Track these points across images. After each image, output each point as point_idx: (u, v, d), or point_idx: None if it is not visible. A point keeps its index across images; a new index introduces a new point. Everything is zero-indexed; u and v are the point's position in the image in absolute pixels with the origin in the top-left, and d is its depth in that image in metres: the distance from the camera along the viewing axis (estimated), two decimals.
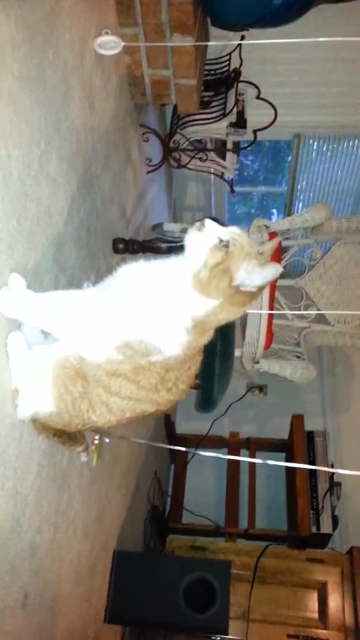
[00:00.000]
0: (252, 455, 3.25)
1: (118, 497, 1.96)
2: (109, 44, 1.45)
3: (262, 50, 2.49)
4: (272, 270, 0.88)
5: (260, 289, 0.89)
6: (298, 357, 2.65)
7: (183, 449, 2.82)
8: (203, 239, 0.86)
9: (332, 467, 3.06)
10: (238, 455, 3.31)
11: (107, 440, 1.68)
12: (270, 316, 2.44)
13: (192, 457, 3.27)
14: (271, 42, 2.09)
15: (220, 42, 2.41)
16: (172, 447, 3.02)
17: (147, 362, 0.93)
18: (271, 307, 2.44)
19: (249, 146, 2.39)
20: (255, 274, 0.86)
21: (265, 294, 2.35)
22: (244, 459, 3.18)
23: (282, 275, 3.00)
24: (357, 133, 2.94)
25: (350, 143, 3.02)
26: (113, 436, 1.69)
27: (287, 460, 3.26)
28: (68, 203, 1.28)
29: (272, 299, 2.45)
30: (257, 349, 2.36)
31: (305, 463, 2.99)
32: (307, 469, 2.97)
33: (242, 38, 2.30)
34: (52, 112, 1.16)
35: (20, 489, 1.07)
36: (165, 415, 3.16)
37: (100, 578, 1.74)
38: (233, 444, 3.34)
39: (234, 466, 3.22)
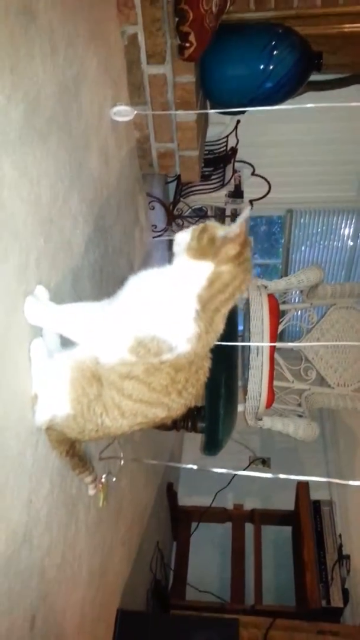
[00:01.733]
0: (258, 530, 3.15)
1: (121, 553, 1.90)
2: (123, 113, 1.66)
3: (256, 135, 2.77)
4: (245, 212, 0.98)
5: (244, 240, 0.96)
6: (300, 416, 2.67)
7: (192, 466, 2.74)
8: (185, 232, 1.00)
9: (340, 538, 2.96)
10: (243, 528, 3.21)
11: (114, 479, 1.69)
12: (271, 375, 2.49)
13: (196, 528, 3.16)
14: (260, 109, 2.33)
15: (218, 127, 2.70)
16: (180, 464, 2.93)
17: (158, 361, 0.99)
18: (272, 368, 2.50)
19: None
20: (232, 226, 0.96)
21: (266, 355, 2.43)
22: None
23: (281, 339, 3.11)
24: (344, 208, 3.18)
25: (339, 217, 3.26)
26: (123, 458, 1.69)
27: (294, 533, 3.15)
28: (85, 241, 1.40)
29: (272, 360, 2.51)
30: (259, 403, 2.40)
31: (312, 533, 2.89)
32: (314, 541, 2.87)
33: (238, 122, 2.58)
34: (75, 158, 1.31)
35: (34, 499, 1.08)
36: (167, 484, 3.10)
37: (103, 633, 1.65)
38: (237, 516, 3.24)
39: (238, 539, 3.11)
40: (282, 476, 1.41)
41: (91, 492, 1.38)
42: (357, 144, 2.90)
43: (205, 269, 0.96)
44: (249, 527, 3.19)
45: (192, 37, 1.71)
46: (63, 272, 1.23)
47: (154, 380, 1.01)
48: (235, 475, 3.37)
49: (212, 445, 1.76)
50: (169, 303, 0.98)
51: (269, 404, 2.49)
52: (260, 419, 2.52)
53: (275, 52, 1.96)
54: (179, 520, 3.18)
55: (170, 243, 1.09)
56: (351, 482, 2.96)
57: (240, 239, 0.95)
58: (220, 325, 1.02)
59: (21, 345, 1.02)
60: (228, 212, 2.52)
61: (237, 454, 3.67)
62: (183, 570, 2.96)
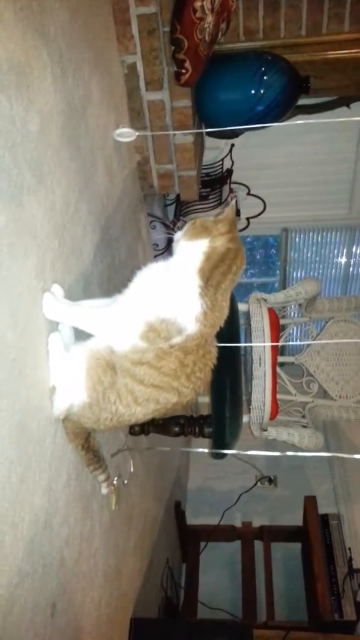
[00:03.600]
0: (267, 546, 3.14)
1: (133, 562, 1.92)
2: (126, 134, 1.77)
3: (250, 158, 2.90)
4: (232, 202, 1.11)
5: (232, 220, 1.09)
6: (304, 427, 2.71)
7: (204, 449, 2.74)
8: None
9: (350, 551, 2.96)
10: (252, 546, 3.20)
11: (125, 481, 1.73)
12: (274, 384, 2.55)
13: (204, 547, 3.15)
14: (253, 127, 2.46)
15: (213, 151, 2.83)
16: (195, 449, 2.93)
17: (168, 346, 1.06)
18: (274, 378, 2.56)
19: (243, 229, 2.70)
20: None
21: (268, 364, 2.49)
22: None
23: (282, 353, 3.18)
24: (337, 225, 3.30)
25: (332, 234, 3.38)
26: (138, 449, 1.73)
27: (303, 549, 3.15)
28: (93, 250, 1.48)
29: (274, 370, 2.58)
30: (264, 413, 2.44)
31: (321, 547, 2.89)
32: (324, 554, 2.87)
33: (232, 146, 2.71)
34: (84, 171, 1.41)
35: (54, 486, 1.13)
36: (175, 503, 3.11)
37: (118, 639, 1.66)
38: (246, 534, 3.24)
39: (248, 557, 3.10)
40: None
41: (104, 490, 1.43)
42: (346, 164, 3.04)
43: (201, 245, 1.07)
44: (258, 545, 3.18)
45: (187, 64, 1.84)
46: (75, 276, 1.31)
47: (164, 364, 1.08)
48: (242, 494, 3.40)
49: (219, 447, 1.80)
50: (174, 284, 1.07)
51: (273, 415, 2.53)
52: (265, 430, 2.56)
53: (265, 77, 2.09)
54: (187, 540, 3.17)
55: (170, 242, 1.19)
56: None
57: (229, 219, 1.08)
58: (224, 304, 1.11)
59: (41, 337, 1.09)
60: None
61: (243, 473, 3.67)
62: (194, 588, 2.94)
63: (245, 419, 2.43)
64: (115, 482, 1.61)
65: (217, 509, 3.24)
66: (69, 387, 1.11)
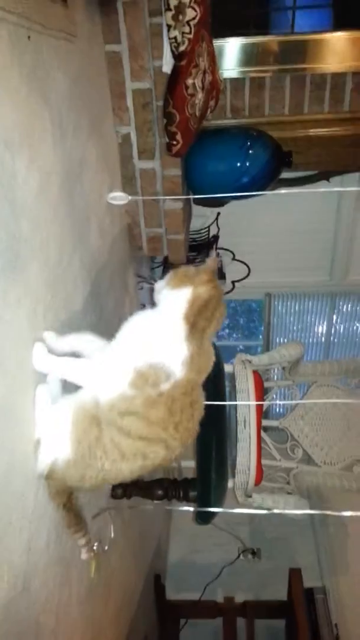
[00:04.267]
0: (250, 623, 2.97)
1: (111, 634, 1.80)
2: (118, 198, 1.84)
3: (236, 225, 3.02)
4: (213, 256, 1.15)
5: (213, 270, 1.15)
6: (289, 493, 2.65)
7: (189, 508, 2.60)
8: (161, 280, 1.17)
9: (337, 628, 2.81)
10: (234, 623, 3.03)
11: (106, 547, 1.65)
12: (259, 447, 2.52)
13: (185, 624, 2.97)
14: (237, 195, 2.56)
15: (200, 219, 2.95)
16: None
17: (156, 393, 1.06)
18: (259, 440, 2.53)
19: (228, 292, 2.75)
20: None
21: (253, 426, 2.47)
22: None
23: (267, 416, 3.15)
24: (319, 291, 3.40)
25: (314, 300, 3.47)
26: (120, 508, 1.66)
27: (288, 625, 2.98)
28: (83, 304, 1.50)
29: (259, 433, 2.55)
30: (249, 478, 2.39)
31: (306, 623, 2.75)
32: (309, 631, 2.73)
33: (219, 214, 2.83)
34: (78, 228, 1.46)
35: (34, 546, 1.08)
36: (155, 576, 2.96)
37: None
38: (228, 610, 3.07)
39: (231, 634, 2.92)
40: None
41: (84, 555, 1.36)
42: (326, 233, 3.17)
43: (185, 292, 1.10)
44: (240, 621, 3.01)
45: (178, 137, 1.95)
46: (65, 326, 1.31)
47: (152, 413, 1.07)
48: (224, 567, 3.27)
49: (204, 513, 1.75)
50: (161, 330, 1.08)
51: (258, 480, 2.48)
52: (250, 496, 2.49)
53: (250, 151, 2.22)
54: (166, 616, 2.99)
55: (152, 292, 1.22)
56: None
57: (211, 269, 1.13)
58: (210, 349, 1.12)
59: (29, 389, 1.07)
60: None
61: (225, 545, 3.54)
62: None
63: (229, 484, 2.37)
64: (95, 547, 1.54)
65: (198, 583, 3.09)
66: (54, 440, 1.09)
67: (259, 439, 2.48)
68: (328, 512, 1.79)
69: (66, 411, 1.09)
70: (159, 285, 1.16)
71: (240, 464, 2.41)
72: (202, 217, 2.99)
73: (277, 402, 2.79)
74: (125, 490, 1.83)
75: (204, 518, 1.77)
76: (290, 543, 3.72)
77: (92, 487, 1.15)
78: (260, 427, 2.54)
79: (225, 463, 1.91)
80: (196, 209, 2.86)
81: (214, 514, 1.78)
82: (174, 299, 1.11)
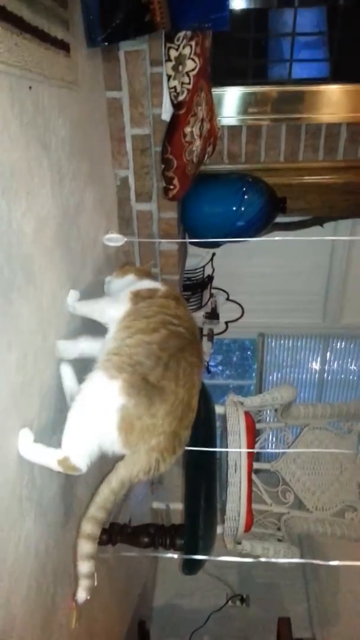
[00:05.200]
0: None
1: None
2: (114, 239, 1.86)
3: (231, 266, 3.05)
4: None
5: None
6: (280, 540, 2.59)
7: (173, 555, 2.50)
8: None
9: None
10: None
11: (88, 596, 1.59)
12: (250, 493, 2.47)
13: None
14: (233, 240, 2.59)
15: (195, 258, 2.97)
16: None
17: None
18: (250, 485, 2.49)
19: (221, 333, 2.76)
20: None
21: (244, 471, 2.43)
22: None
23: (258, 459, 3.11)
24: (312, 333, 3.41)
25: (307, 341, 3.48)
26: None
27: None
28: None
29: (250, 477, 2.51)
30: (238, 524, 2.34)
31: None
32: None
33: (214, 255, 2.86)
34: (73, 271, 1.46)
35: (13, 599, 1.04)
36: (139, 622, 2.86)
37: None
38: None
39: None
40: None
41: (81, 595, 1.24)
42: (320, 277, 3.21)
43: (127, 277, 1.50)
44: None
45: (175, 181, 1.99)
46: (57, 371, 1.30)
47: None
48: (211, 613, 3.16)
49: (191, 563, 1.70)
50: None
51: (247, 526, 2.43)
52: (239, 543, 2.44)
53: (246, 197, 2.26)
54: None
55: None
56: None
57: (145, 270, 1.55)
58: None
59: (14, 438, 1.06)
60: (205, 332, 2.69)
61: (213, 590, 3.44)
62: None
63: (218, 530, 2.32)
64: (78, 596, 1.49)
65: (184, 630, 2.99)
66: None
67: (250, 484, 2.44)
68: (317, 562, 1.73)
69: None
70: (108, 279, 1.50)
71: (230, 509, 2.36)
72: (197, 256, 3.01)
73: (268, 450, 2.74)
74: (111, 536, 1.78)
75: (190, 568, 1.72)
76: (281, 590, 3.62)
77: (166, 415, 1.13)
78: (251, 471, 2.50)
79: (214, 511, 1.88)
80: (192, 249, 2.89)
81: (200, 564, 1.73)
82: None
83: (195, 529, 1.72)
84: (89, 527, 1.11)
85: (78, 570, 1.13)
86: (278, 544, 2.51)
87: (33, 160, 1.17)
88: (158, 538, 1.82)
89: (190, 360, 1.19)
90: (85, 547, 1.12)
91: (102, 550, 1.81)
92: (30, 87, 1.14)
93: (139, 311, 1.26)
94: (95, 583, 1.65)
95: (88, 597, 1.18)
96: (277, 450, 2.72)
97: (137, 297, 1.31)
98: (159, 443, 1.11)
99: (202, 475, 1.74)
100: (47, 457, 1.09)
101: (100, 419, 1.10)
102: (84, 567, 1.13)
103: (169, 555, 1.72)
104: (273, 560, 2.14)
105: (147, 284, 1.40)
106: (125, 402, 1.09)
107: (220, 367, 4.80)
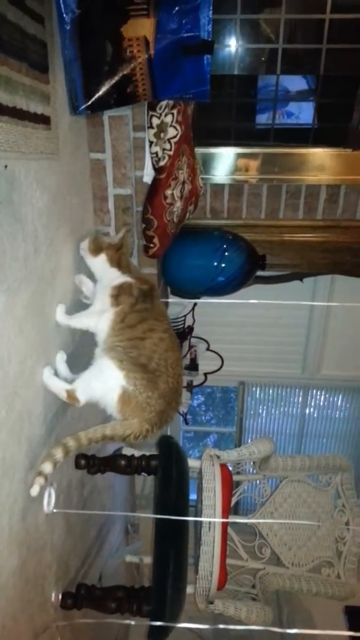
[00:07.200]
0: None
1: None
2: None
3: (211, 316, 3.07)
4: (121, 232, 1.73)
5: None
6: (254, 599, 2.54)
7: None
8: None
9: None
10: None
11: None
12: (224, 552, 2.43)
13: None
14: (211, 301, 2.62)
15: (177, 307, 3.00)
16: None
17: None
18: (224, 545, 2.44)
19: (200, 385, 2.76)
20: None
21: (218, 530, 2.38)
22: None
23: (235, 511, 3.07)
24: (292, 384, 3.43)
25: (287, 391, 3.49)
26: None
27: None
28: (44, 415, 1.49)
29: (224, 536, 2.46)
30: (211, 584, 2.29)
31: None
32: None
33: (195, 305, 2.88)
34: (45, 338, 1.46)
35: None
36: None
37: None
38: None
39: None
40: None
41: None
42: (299, 329, 3.25)
43: (99, 258, 1.70)
44: None
45: (155, 240, 2.02)
46: (25, 445, 1.29)
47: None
48: None
49: (157, 631, 1.66)
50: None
51: (221, 585, 2.38)
52: (212, 602, 2.38)
53: (226, 254, 2.30)
54: None
55: None
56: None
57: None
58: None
59: None
60: (184, 383, 2.69)
61: None
62: None
63: (190, 589, 2.27)
64: None
65: None
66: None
67: (224, 543, 2.40)
68: (289, 630, 1.70)
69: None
70: (82, 246, 1.69)
71: (202, 569, 2.32)
72: (179, 305, 3.04)
73: (244, 520, 2.72)
74: (76, 600, 1.73)
75: (156, 637, 1.67)
76: None
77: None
78: (226, 529, 2.46)
79: (183, 577, 1.84)
80: (173, 297, 2.91)
81: (168, 631, 1.69)
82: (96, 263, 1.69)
83: (163, 596, 1.68)
84: (59, 451, 1.41)
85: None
86: (251, 604, 2.46)
87: (6, 235, 1.18)
88: (125, 604, 1.77)
89: (175, 356, 1.57)
90: (47, 467, 1.38)
91: (67, 616, 1.76)
92: (5, 166, 1.16)
93: (128, 319, 1.56)
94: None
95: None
96: (251, 521, 2.69)
97: (117, 298, 1.59)
98: (151, 419, 1.47)
99: (171, 541, 1.71)
100: (60, 386, 1.45)
101: (108, 386, 1.46)
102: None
103: (134, 622, 1.67)
104: (246, 628, 2.08)
105: (120, 279, 1.64)
106: (127, 384, 1.46)
107: (203, 408, 4.78)
